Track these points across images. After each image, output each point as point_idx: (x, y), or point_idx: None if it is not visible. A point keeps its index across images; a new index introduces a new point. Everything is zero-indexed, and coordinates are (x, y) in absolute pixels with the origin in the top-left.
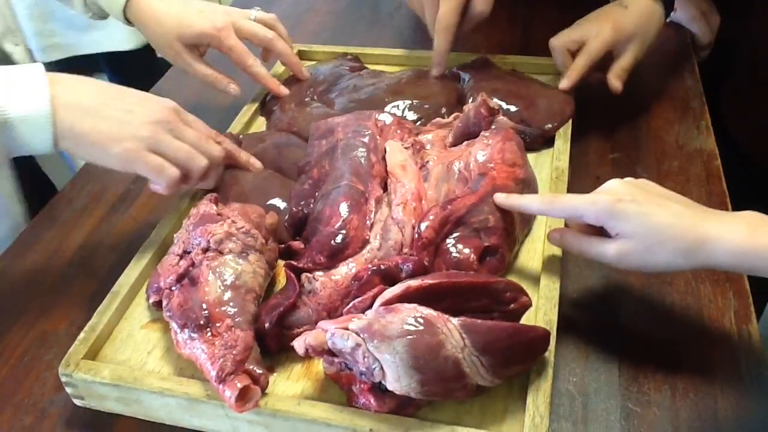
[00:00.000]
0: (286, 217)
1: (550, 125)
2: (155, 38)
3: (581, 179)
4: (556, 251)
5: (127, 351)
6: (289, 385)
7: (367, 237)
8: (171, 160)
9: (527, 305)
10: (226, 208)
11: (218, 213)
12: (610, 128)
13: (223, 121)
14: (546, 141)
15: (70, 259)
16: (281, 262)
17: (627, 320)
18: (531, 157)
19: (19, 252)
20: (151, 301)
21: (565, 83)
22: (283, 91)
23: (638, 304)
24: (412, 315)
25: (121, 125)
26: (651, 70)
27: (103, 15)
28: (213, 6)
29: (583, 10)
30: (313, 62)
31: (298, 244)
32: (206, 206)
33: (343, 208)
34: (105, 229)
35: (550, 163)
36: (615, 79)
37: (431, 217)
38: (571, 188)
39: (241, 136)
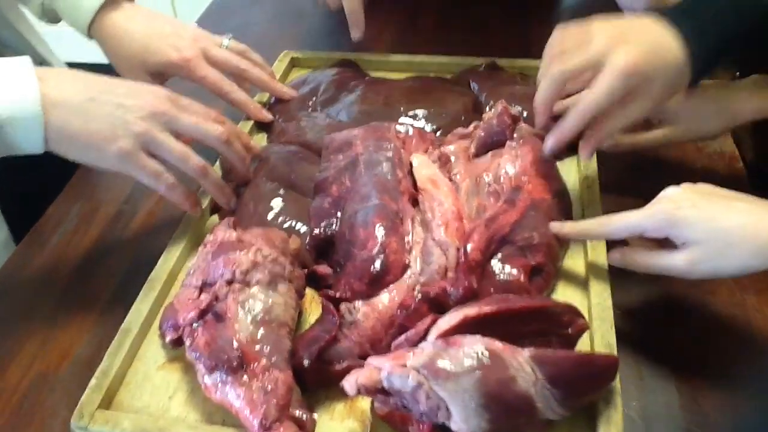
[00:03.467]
0: (307, 239)
1: None
2: (117, 60)
3: (606, 186)
4: (600, 266)
5: (145, 396)
6: (333, 426)
7: (407, 261)
8: (167, 160)
9: (584, 328)
10: (247, 234)
11: (239, 240)
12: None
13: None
14: (569, 147)
15: (64, 289)
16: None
17: (675, 334)
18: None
19: (6, 282)
20: (168, 339)
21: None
22: (266, 116)
23: (683, 317)
24: (477, 348)
25: (113, 123)
26: None
27: (56, 21)
28: (181, 30)
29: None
30: (308, 70)
31: (324, 269)
32: (225, 232)
33: (379, 230)
34: (100, 254)
35: (577, 171)
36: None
37: (476, 238)
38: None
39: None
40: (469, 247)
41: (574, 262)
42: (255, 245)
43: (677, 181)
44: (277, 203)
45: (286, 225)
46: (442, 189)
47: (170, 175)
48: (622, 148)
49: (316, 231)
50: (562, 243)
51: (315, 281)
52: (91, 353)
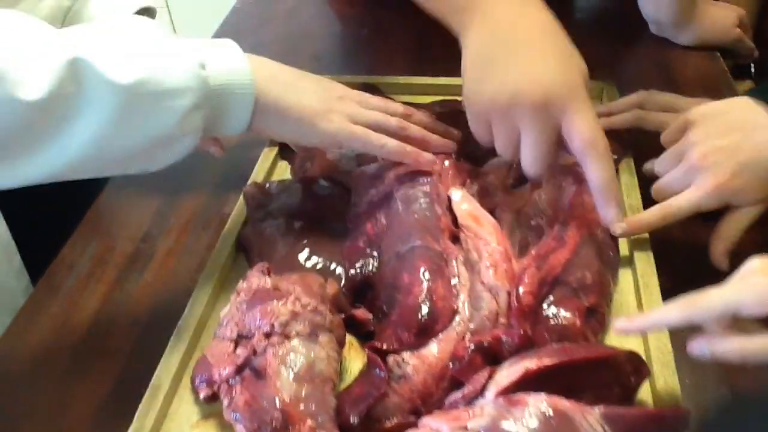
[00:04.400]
0: (343, 281)
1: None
2: None
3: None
4: (655, 303)
5: None
6: None
7: (455, 306)
8: (371, 127)
9: (646, 376)
10: (283, 281)
11: (275, 287)
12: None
13: (236, 166)
14: None
15: (82, 338)
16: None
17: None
18: None
19: (20, 332)
20: (202, 395)
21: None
22: None
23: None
24: (543, 407)
25: (320, 100)
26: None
27: None
28: None
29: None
30: None
31: (362, 314)
32: (259, 279)
33: (425, 274)
34: (118, 299)
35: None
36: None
37: (527, 280)
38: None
39: (267, 185)
40: (520, 290)
41: (625, 299)
42: (293, 293)
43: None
44: (308, 243)
45: (319, 266)
46: (486, 226)
47: (379, 135)
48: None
49: (352, 272)
50: (614, 280)
51: (353, 326)
52: (114, 412)
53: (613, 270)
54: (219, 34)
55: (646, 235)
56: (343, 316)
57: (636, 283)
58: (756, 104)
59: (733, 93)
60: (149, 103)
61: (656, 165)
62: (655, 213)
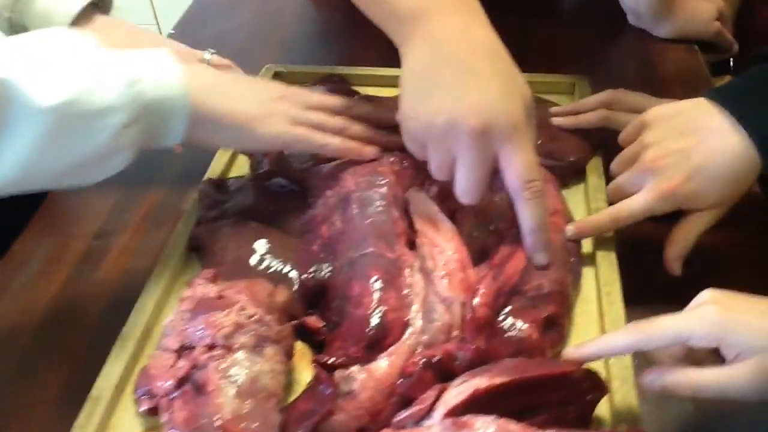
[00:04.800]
0: (296, 287)
1: (578, 156)
2: None
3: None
4: (616, 315)
5: None
6: None
7: (407, 318)
8: (311, 127)
9: (604, 393)
10: (229, 289)
11: (220, 296)
12: None
13: (196, 161)
14: (576, 174)
15: (30, 341)
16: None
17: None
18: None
19: None
20: (142, 408)
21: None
22: None
23: None
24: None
25: (257, 104)
26: (665, 90)
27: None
28: (161, 43)
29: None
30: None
31: (314, 321)
32: (204, 287)
33: (376, 284)
34: (69, 300)
35: (584, 201)
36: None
37: (483, 291)
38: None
39: (223, 182)
40: (475, 301)
41: (586, 308)
42: (238, 303)
43: None
44: (260, 245)
45: (271, 270)
46: (444, 232)
47: (321, 133)
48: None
49: (305, 277)
50: (576, 287)
51: (306, 334)
52: (60, 419)
53: (575, 276)
54: (185, 19)
55: (611, 234)
56: (295, 322)
57: (598, 291)
58: (713, 106)
59: (710, 87)
60: (79, 123)
61: (612, 166)
62: (605, 216)
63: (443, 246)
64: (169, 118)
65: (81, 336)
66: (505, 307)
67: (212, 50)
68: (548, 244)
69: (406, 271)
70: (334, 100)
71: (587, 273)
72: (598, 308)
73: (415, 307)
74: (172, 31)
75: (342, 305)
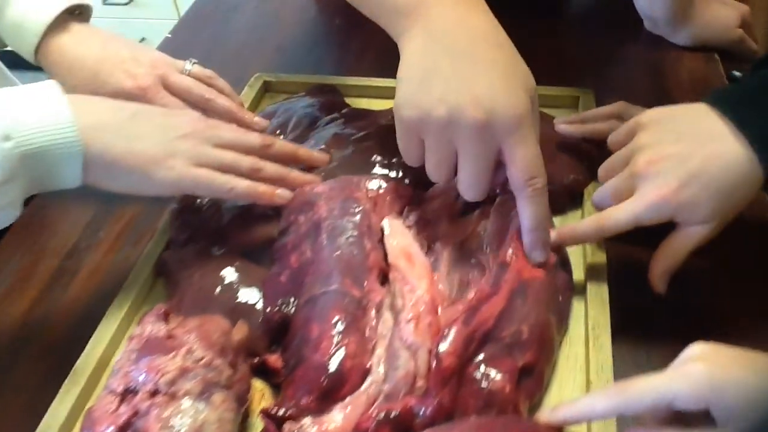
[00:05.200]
0: (259, 321)
1: (575, 179)
2: (66, 90)
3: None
4: (604, 363)
5: None
6: None
7: (369, 364)
8: (218, 169)
9: None
10: (180, 328)
11: (169, 335)
12: None
13: None
14: (571, 198)
15: None
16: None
17: None
18: (555, 221)
19: None
20: None
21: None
22: (262, 122)
23: None
24: None
25: (156, 144)
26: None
27: (2, 46)
28: (140, 54)
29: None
30: (283, 96)
31: (275, 360)
32: (153, 325)
33: (336, 327)
34: (34, 322)
35: None
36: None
37: (452, 338)
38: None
39: (198, 202)
40: (443, 348)
41: (573, 351)
42: (186, 345)
43: None
44: (226, 275)
45: (235, 302)
46: (417, 267)
47: (228, 177)
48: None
49: (269, 311)
50: (560, 328)
51: (266, 373)
52: None
53: (560, 316)
54: (184, 21)
55: (603, 262)
56: (257, 360)
57: (587, 333)
58: (713, 111)
59: None
60: None
61: (600, 171)
62: (590, 224)
63: (414, 284)
64: (58, 164)
65: (41, 363)
66: (477, 354)
67: (194, 60)
68: (547, 242)
69: (372, 312)
70: (252, 138)
71: (577, 308)
72: (585, 352)
73: (379, 351)
74: (169, 35)
75: (300, 348)
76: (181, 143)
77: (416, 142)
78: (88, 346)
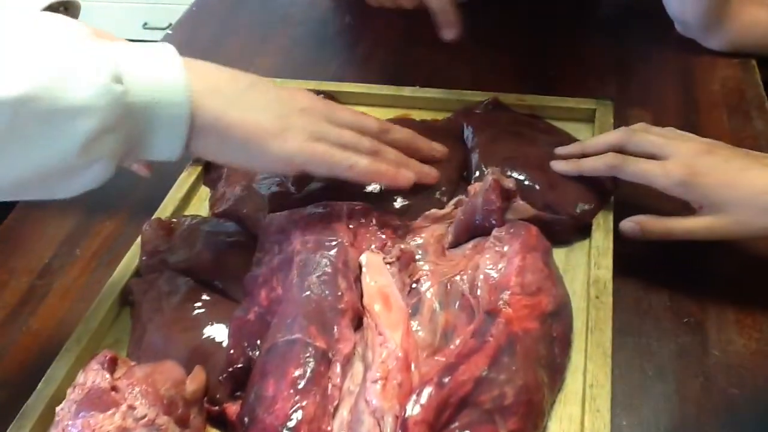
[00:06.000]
0: (222, 364)
1: (583, 208)
2: None
3: (626, 283)
4: (601, 423)
5: None
6: None
7: (329, 428)
8: (336, 146)
9: None
10: (125, 378)
11: (112, 388)
12: (659, 206)
13: (162, 188)
14: (578, 230)
15: None
16: None
17: None
18: (560, 254)
19: None
20: None
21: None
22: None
23: None
24: None
25: (273, 116)
26: (707, 116)
27: None
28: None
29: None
30: None
31: (235, 411)
32: (96, 374)
33: (294, 385)
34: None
35: (586, 264)
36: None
37: (424, 402)
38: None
39: (173, 223)
40: (412, 414)
41: (570, 410)
42: (127, 400)
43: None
44: (193, 308)
45: (201, 339)
46: (392, 313)
47: (348, 154)
48: (650, 235)
49: (233, 354)
50: (554, 385)
51: (224, 425)
52: None
53: (556, 372)
54: (186, 17)
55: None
56: (217, 409)
57: (584, 392)
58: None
59: (765, 114)
60: (38, 124)
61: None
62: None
63: (386, 335)
64: (162, 127)
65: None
66: (452, 421)
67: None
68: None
69: (338, 367)
70: (370, 121)
71: (577, 359)
72: (581, 413)
73: (343, 413)
74: (170, 32)
75: (254, 406)
76: (299, 118)
77: None
78: (40, 385)
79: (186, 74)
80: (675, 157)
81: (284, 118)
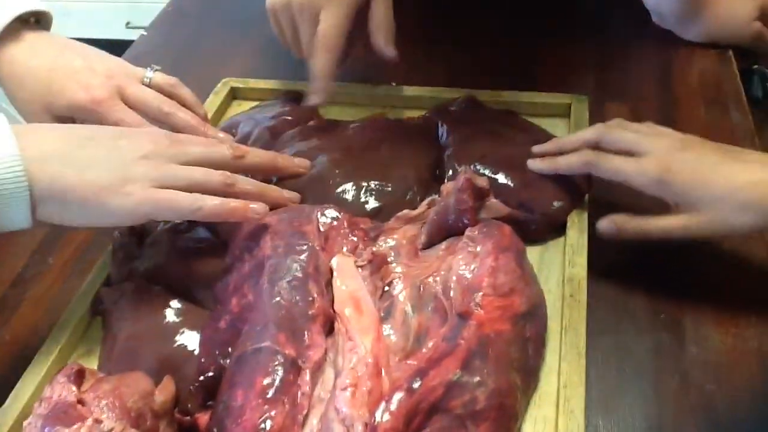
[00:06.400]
0: (192, 374)
1: (557, 206)
2: (19, 105)
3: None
4: (575, 424)
5: None
6: None
7: None
8: (186, 188)
9: None
10: (92, 391)
11: (78, 401)
12: (636, 203)
13: None
14: (553, 228)
15: None
16: None
17: None
18: (534, 252)
19: None
20: None
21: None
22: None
23: None
24: None
25: (111, 170)
26: (685, 109)
27: None
28: (96, 63)
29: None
30: (252, 103)
31: (206, 421)
32: (62, 387)
33: (263, 394)
34: None
35: (561, 264)
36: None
37: (393, 409)
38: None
39: (145, 230)
40: (381, 421)
41: (544, 412)
42: (94, 414)
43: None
44: (164, 317)
45: (172, 348)
46: (363, 318)
47: (194, 196)
48: (626, 235)
49: (203, 363)
50: (527, 387)
51: None
52: None
53: (530, 373)
54: (162, 16)
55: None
56: (188, 419)
57: (558, 392)
58: None
59: (742, 106)
60: None
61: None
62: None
63: (357, 341)
64: (4, 201)
65: None
66: (422, 428)
67: (156, 67)
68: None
69: (307, 375)
70: (222, 150)
71: (551, 360)
72: (555, 415)
73: (313, 422)
74: (144, 33)
75: (223, 417)
76: (140, 166)
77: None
78: (7, 401)
79: (16, 145)
80: (650, 153)
81: (124, 169)
